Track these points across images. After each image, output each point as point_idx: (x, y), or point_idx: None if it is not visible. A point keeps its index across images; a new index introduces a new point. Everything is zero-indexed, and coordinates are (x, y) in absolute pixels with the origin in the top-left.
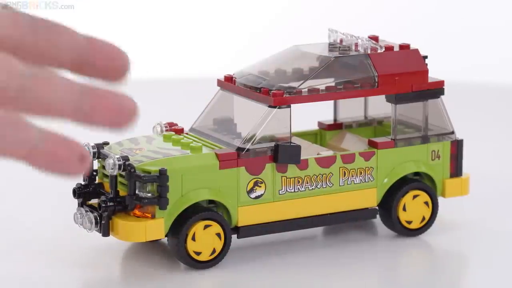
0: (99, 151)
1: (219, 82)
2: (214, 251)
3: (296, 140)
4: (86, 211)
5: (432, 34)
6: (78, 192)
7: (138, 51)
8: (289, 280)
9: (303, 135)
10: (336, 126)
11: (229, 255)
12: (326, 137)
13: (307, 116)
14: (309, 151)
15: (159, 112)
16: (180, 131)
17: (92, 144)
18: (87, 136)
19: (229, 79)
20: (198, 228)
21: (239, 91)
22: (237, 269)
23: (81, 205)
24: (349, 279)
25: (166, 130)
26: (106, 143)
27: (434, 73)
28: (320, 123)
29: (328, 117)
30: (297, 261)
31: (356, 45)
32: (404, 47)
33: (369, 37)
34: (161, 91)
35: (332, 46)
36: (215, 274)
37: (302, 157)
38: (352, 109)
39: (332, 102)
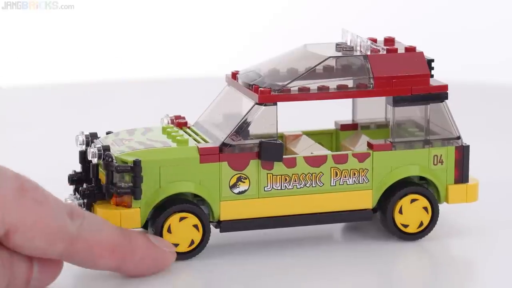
0: (92, 140)
1: (227, 78)
2: (192, 242)
3: (304, 138)
4: (76, 198)
5: (444, 34)
6: (72, 179)
7: (148, 50)
8: (279, 283)
9: (318, 134)
10: (352, 126)
11: (211, 248)
12: (340, 137)
13: (329, 114)
14: (309, 150)
15: (175, 107)
16: (183, 124)
17: (86, 133)
18: (90, 125)
19: (234, 75)
20: (173, 220)
21: (238, 87)
22: (218, 260)
23: (74, 191)
24: (345, 282)
25: (172, 123)
26: (109, 133)
27: (443, 74)
28: (335, 123)
29: (349, 117)
30: (287, 262)
31: (361, 46)
32: (409, 49)
33: (385, 38)
34: (180, 89)
35: (338, 46)
36: (194, 265)
37: (290, 156)
38: (372, 110)
39: (350, 102)
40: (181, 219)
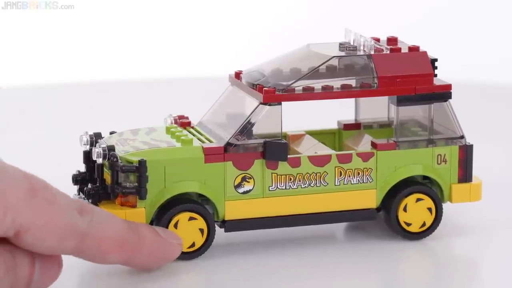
0: (97, 140)
1: (230, 78)
2: (193, 244)
3: (307, 138)
4: (80, 198)
5: (445, 34)
6: (76, 179)
7: (149, 50)
8: (282, 282)
9: (321, 133)
10: (355, 126)
11: (215, 247)
12: (343, 137)
13: (332, 114)
14: (312, 149)
15: (178, 107)
16: (186, 124)
17: (91, 133)
18: (91, 125)
19: (238, 75)
20: (181, 218)
21: (242, 87)
22: (221, 259)
23: (78, 191)
24: (349, 281)
25: (175, 123)
26: (113, 133)
27: (444, 74)
28: (338, 123)
29: (352, 117)
30: (291, 261)
31: (364, 45)
32: (413, 49)
33: (387, 38)
34: (182, 89)
35: (342, 46)
36: (197, 264)
37: (295, 155)
38: (375, 110)
39: (353, 102)
40: (190, 219)
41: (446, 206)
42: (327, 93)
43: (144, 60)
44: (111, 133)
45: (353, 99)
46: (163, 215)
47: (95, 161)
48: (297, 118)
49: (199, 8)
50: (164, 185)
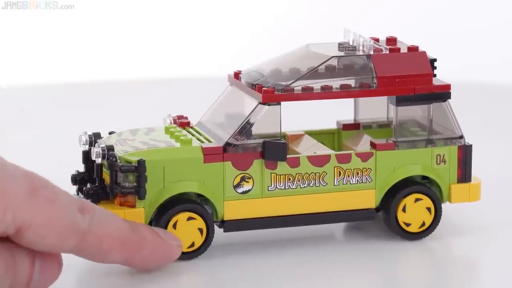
0: (96, 140)
1: (229, 78)
2: (192, 244)
3: (306, 138)
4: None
5: (444, 34)
6: (75, 179)
7: (148, 50)
8: (281, 283)
9: (320, 133)
10: (354, 126)
11: (214, 247)
12: (342, 137)
13: (331, 114)
14: (311, 149)
15: (177, 107)
16: (185, 124)
17: (90, 133)
18: (90, 125)
19: (237, 75)
20: (180, 218)
21: (241, 87)
22: (220, 259)
23: (78, 191)
24: (348, 281)
25: (174, 123)
26: (112, 133)
27: (443, 74)
28: (337, 123)
29: (351, 117)
30: (290, 261)
31: (363, 45)
32: (412, 49)
33: (387, 38)
34: (181, 89)
35: (341, 46)
36: (196, 264)
37: (294, 155)
38: (374, 110)
39: (352, 102)
40: (189, 218)
41: (445, 206)
42: (326, 93)
43: (144, 60)
44: (110, 133)
45: (352, 99)
46: (162, 215)
47: (94, 161)
48: (296, 118)
49: (199, 8)
50: (163, 185)
